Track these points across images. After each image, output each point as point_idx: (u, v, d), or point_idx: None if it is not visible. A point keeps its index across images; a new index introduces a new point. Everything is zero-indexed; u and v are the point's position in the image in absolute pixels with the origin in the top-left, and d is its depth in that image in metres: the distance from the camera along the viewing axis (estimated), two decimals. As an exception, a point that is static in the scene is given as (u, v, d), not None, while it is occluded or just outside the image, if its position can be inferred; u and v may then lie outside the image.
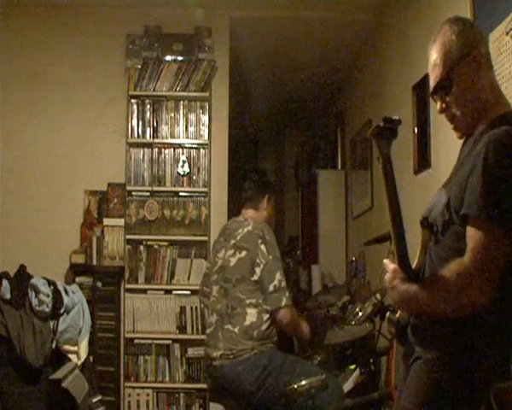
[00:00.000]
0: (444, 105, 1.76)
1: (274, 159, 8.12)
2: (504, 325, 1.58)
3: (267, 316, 3.07)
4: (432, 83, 1.78)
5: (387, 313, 1.84)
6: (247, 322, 3.03)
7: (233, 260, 3.15)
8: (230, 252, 3.18)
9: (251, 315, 3.04)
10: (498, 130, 1.59)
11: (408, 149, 3.73)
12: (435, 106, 1.82)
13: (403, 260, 1.64)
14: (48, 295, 3.83)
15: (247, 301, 3.06)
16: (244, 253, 3.12)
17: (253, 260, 3.08)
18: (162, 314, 4.33)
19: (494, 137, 1.58)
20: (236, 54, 4.97)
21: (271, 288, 3.04)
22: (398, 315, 1.78)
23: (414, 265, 1.67)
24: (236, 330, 3.03)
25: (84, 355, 3.93)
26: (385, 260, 1.73)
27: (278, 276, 3.05)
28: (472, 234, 1.55)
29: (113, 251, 4.36)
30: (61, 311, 3.87)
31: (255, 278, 3.07)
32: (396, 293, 1.68)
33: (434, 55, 1.76)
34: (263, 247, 3.09)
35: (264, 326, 3.05)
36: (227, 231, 3.31)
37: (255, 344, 3.01)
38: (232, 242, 3.19)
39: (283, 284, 3.06)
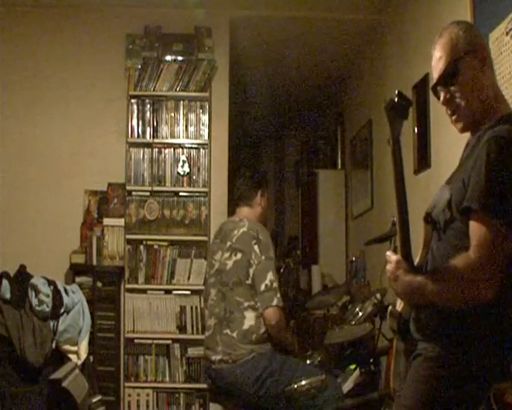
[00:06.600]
0: (448, 96, 1.74)
1: (274, 159, 8.11)
2: (505, 323, 1.58)
3: None
4: (436, 76, 1.77)
5: (389, 307, 1.83)
6: (246, 326, 3.01)
7: (229, 263, 3.12)
8: (227, 255, 3.15)
9: (249, 319, 3.02)
10: (500, 127, 1.61)
11: (408, 149, 3.73)
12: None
13: (406, 247, 1.64)
14: (48, 295, 3.83)
15: (246, 305, 3.04)
16: (240, 255, 3.10)
17: (247, 261, 3.06)
18: (162, 314, 4.33)
19: (496, 134, 1.59)
20: (236, 54, 4.97)
21: (263, 287, 3.01)
22: (400, 309, 1.77)
23: (416, 261, 1.67)
24: (235, 334, 3.01)
25: (84, 355, 3.93)
26: (388, 252, 1.74)
27: (270, 276, 3.02)
28: (476, 228, 1.56)
29: (113, 251, 4.36)
30: (61, 311, 3.87)
31: (250, 280, 3.05)
32: (399, 284, 1.67)
33: (439, 52, 1.75)
34: (256, 247, 3.07)
35: (263, 329, 3.02)
36: (223, 231, 3.28)
37: (254, 347, 2.99)
38: (228, 244, 3.17)
39: (275, 284, 3.03)
